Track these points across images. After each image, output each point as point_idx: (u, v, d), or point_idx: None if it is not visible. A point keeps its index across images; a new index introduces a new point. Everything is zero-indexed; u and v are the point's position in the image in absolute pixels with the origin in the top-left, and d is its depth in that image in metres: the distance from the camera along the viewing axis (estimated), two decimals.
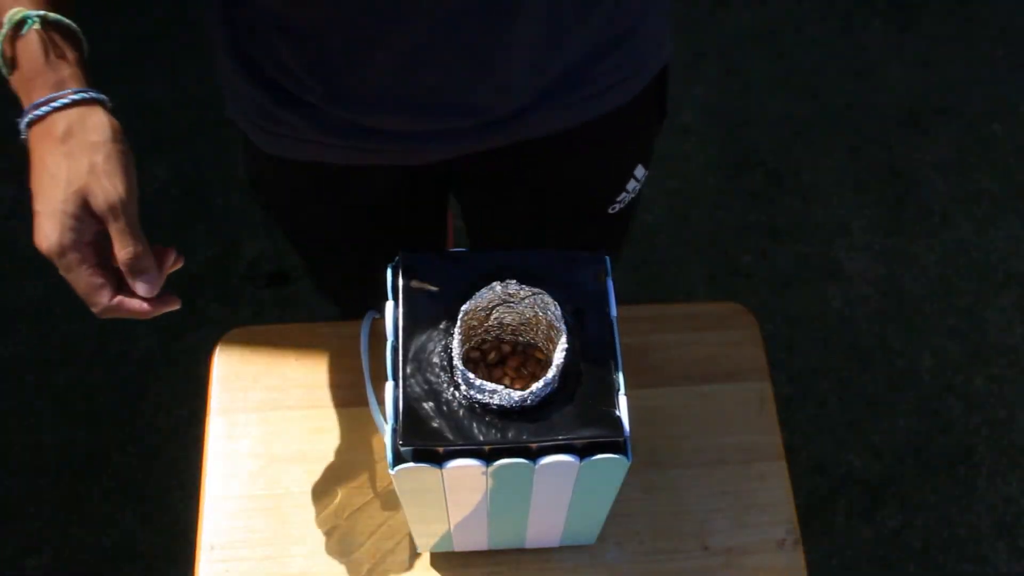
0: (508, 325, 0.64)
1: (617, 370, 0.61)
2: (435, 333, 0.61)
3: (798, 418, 1.71)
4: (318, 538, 0.81)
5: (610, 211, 0.96)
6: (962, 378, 1.76)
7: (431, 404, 0.59)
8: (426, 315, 0.62)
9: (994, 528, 1.62)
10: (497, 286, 0.60)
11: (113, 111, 0.61)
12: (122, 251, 0.59)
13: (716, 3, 2.17)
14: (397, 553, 0.81)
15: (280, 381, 0.88)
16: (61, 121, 0.58)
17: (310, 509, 0.82)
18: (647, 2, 0.81)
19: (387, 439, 0.60)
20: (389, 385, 0.60)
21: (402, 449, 0.58)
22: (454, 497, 0.64)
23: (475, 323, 0.63)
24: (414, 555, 0.80)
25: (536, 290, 0.60)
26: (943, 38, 2.14)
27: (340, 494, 0.83)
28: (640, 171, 0.95)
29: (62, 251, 0.59)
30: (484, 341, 0.65)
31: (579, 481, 0.63)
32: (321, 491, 0.83)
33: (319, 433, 0.86)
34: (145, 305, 0.61)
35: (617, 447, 0.59)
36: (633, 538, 0.82)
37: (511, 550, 0.80)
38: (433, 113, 0.80)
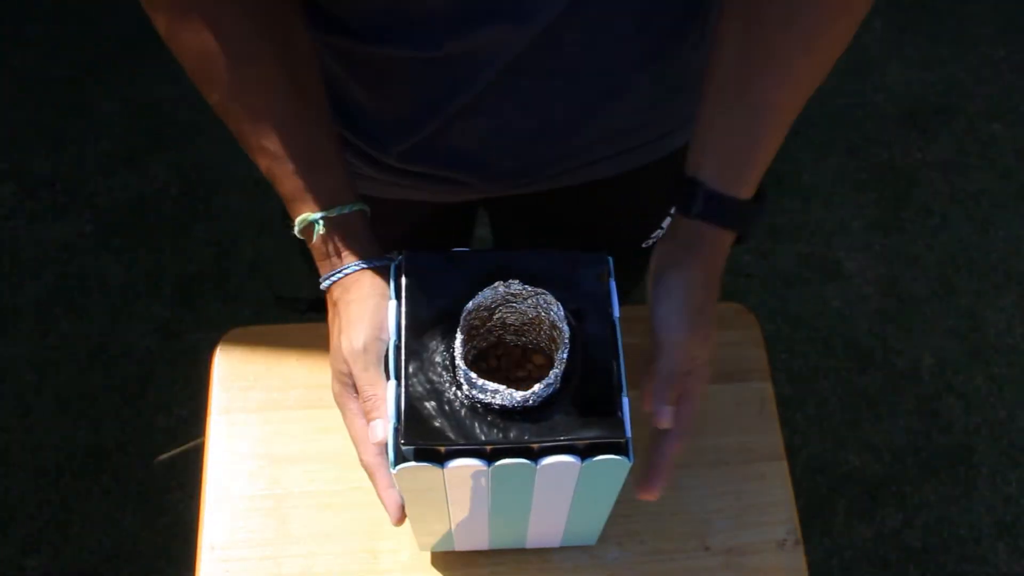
0: (511, 325, 0.64)
1: (619, 371, 0.61)
2: (437, 333, 0.61)
3: (798, 418, 1.71)
4: (318, 538, 0.81)
5: (643, 245, 0.98)
6: (962, 378, 1.76)
7: (433, 404, 0.59)
8: (428, 315, 0.62)
9: (994, 528, 1.62)
10: (500, 286, 0.60)
11: (372, 280, 0.68)
12: (359, 396, 0.65)
13: None
14: (398, 553, 0.80)
15: (280, 381, 0.88)
16: (336, 290, 0.68)
17: (310, 509, 0.82)
18: (702, 60, 0.81)
19: (389, 438, 0.60)
20: (391, 384, 0.60)
21: (404, 448, 0.58)
22: (455, 496, 0.64)
23: (478, 323, 0.63)
24: (415, 555, 0.80)
25: (539, 290, 0.60)
26: (943, 38, 2.14)
27: (341, 494, 0.83)
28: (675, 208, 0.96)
29: (338, 400, 0.67)
30: (487, 341, 0.65)
31: (580, 482, 0.63)
32: (321, 492, 0.83)
33: (320, 433, 0.85)
34: (375, 485, 0.66)
35: (619, 448, 0.59)
36: (634, 538, 0.82)
37: (512, 550, 0.80)
38: (476, 165, 0.81)
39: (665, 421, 0.65)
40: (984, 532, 1.62)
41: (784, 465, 0.85)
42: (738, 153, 0.68)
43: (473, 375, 0.57)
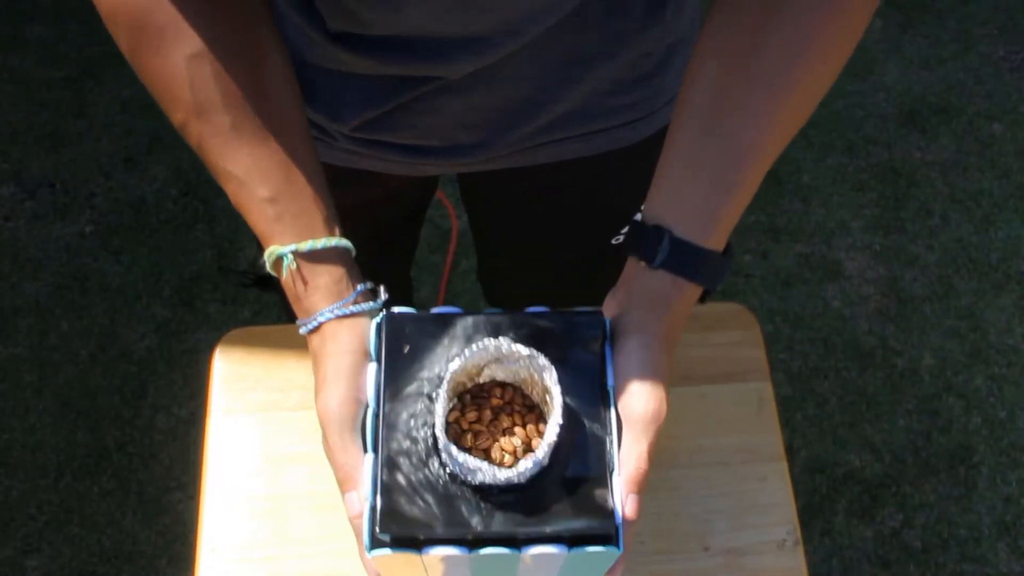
0: (503, 380, 0.60)
1: (612, 446, 0.57)
2: (420, 399, 0.57)
3: (798, 418, 1.71)
4: (318, 540, 0.81)
5: (613, 241, 0.95)
6: (962, 378, 1.76)
7: (412, 479, 0.55)
8: (410, 380, 0.58)
9: (994, 528, 1.62)
10: (490, 344, 0.56)
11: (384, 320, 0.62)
12: (331, 463, 0.60)
13: None
14: None
15: (281, 382, 0.88)
16: (314, 340, 0.63)
17: (310, 511, 0.82)
18: (673, 48, 0.80)
19: (364, 517, 0.56)
20: (368, 457, 0.57)
21: (379, 536, 0.55)
22: (436, 572, 0.60)
23: (464, 379, 0.59)
24: None
25: (532, 352, 0.55)
26: (943, 38, 2.14)
27: (340, 495, 0.83)
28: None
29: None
30: (477, 396, 0.61)
31: (567, 565, 0.59)
32: (321, 493, 0.83)
33: (319, 434, 0.85)
34: (359, 547, 0.59)
35: (607, 538, 0.55)
36: (634, 539, 0.82)
37: None
38: (437, 136, 0.80)
39: (632, 512, 0.57)
40: (984, 532, 1.62)
41: (784, 465, 0.85)
42: (710, 198, 0.61)
43: (454, 449, 0.53)
